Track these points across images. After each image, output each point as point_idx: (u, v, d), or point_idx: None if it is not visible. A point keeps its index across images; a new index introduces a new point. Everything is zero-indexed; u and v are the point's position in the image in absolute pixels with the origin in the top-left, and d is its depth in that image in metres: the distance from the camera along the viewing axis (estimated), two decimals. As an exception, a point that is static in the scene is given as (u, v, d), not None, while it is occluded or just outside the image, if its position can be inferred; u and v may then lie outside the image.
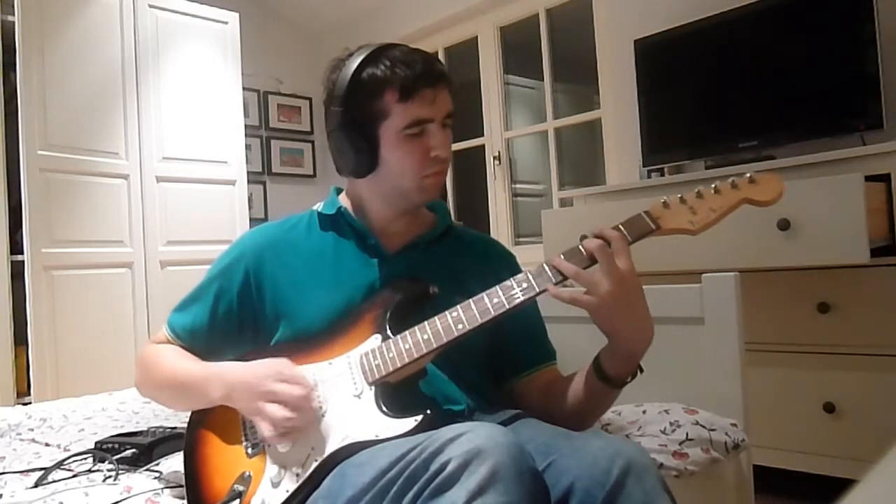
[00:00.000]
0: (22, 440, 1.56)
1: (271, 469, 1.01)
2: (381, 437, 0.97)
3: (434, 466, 0.81)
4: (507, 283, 1.02)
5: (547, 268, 1.01)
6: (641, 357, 1.06)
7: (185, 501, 1.06)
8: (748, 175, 1.02)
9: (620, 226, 1.02)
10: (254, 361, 1.07)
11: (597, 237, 1.01)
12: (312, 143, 4.42)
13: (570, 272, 0.99)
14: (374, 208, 1.19)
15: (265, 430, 0.99)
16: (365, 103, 1.10)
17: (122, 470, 1.18)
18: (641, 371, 1.08)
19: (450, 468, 0.79)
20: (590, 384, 1.08)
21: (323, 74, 1.16)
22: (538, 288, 1.00)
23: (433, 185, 1.15)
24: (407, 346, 1.02)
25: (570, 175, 3.74)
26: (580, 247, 1.01)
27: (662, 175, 2.64)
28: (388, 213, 1.19)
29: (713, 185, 1.03)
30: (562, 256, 1.01)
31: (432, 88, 1.09)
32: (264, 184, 4.21)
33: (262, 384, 1.01)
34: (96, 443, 1.33)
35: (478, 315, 1.00)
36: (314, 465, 0.98)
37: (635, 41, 2.74)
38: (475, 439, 0.81)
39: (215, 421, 1.11)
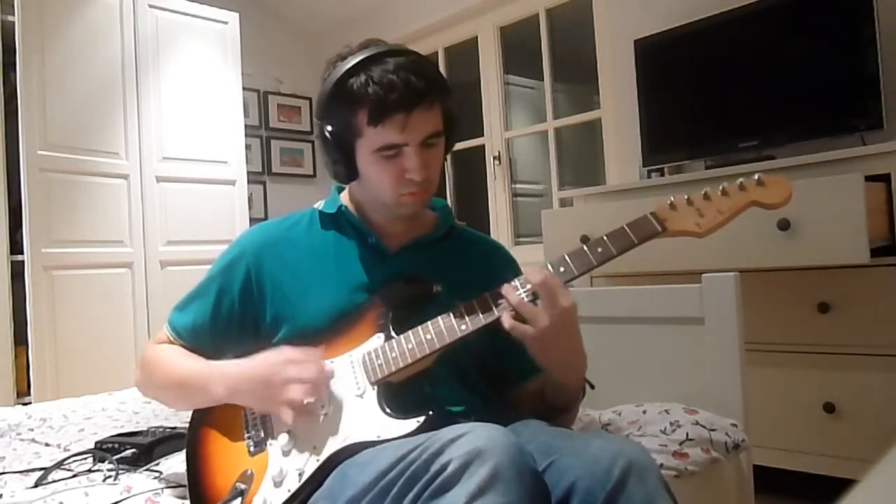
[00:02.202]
0: (22, 440, 1.56)
1: (273, 468, 1.01)
2: (383, 437, 0.97)
3: (435, 467, 0.81)
4: (513, 283, 1.02)
5: (551, 268, 1.01)
6: (576, 390, 1.12)
7: (188, 500, 1.06)
8: (756, 176, 1.01)
9: (626, 227, 1.02)
10: (254, 356, 1.07)
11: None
12: (312, 143, 4.41)
13: (514, 301, 0.99)
14: (369, 211, 1.20)
15: (287, 416, 0.99)
16: (342, 117, 1.08)
17: (122, 470, 1.18)
18: (592, 387, 1.13)
19: (450, 469, 0.79)
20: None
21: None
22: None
23: (412, 203, 1.12)
24: (410, 346, 1.03)
25: (570, 175, 3.73)
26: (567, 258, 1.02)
27: (662, 175, 2.64)
28: (384, 216, 1.19)
29: (721, 187, 1.01)
30: (549, 266, 1.02)
31: (405, 113, 1.03)
32: (264, 184, 4.20)
33: (279, 373, 1.02)
34: (96, 443, 1.33)
35: (481, 316, 1.00)
36: (315, 464, 0.98)
37: (635, 41, 2.74)
38: (475, 440, 0.81)
39: (217, 420, 1.11)
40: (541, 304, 0.98)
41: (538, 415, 1.12)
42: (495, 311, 1.00)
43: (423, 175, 1.08)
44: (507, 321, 0.99)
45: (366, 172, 1.11)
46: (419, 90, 1.04)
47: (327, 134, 1.10)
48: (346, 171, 1.12)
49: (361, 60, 1.06)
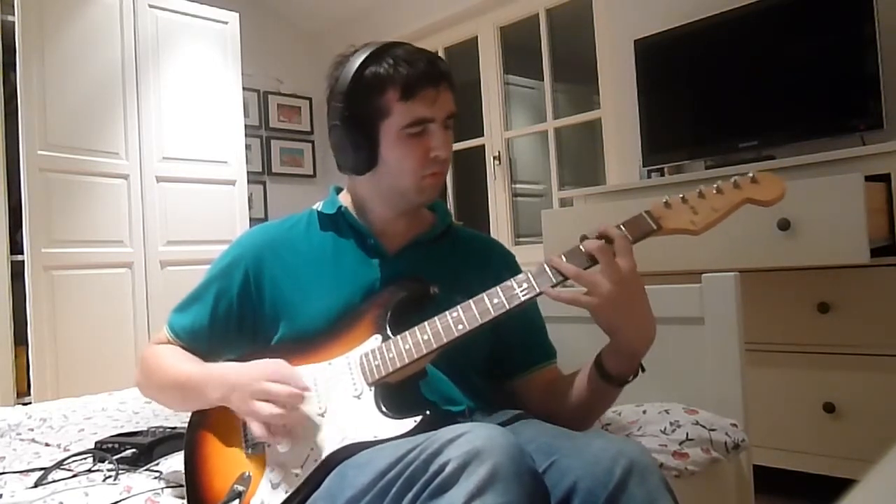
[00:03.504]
0: (22, 440, 1.56)
1: (271, 469, 1.01)
2: (381, 437, 0.97)
3: (433, 467, 0.81)
4: (508, 283, 1.01)
5: (547, 268, 1.01)
6: (643, 356, 1.06)
7: (185, 501, 1.06)
8: (750, 174, 1.01)
9: (622, 225, 1.02)
10: (251, 362, 1.07)
11: (599, 236, 1.01)
12: (312, 143, 4.42)
13: (571, 273, 0.99)
14: (374, 208, 1.19)
15: (255, 428, 0.99)
16: (366, 100, 1.10)
17: (122, 470, 1.18)
18: (643, 370, 1.08)
19: (449, 469, 0.79)
20: (591, 383, 1.09)
21: (328, 70, 1.16)
22: (538, 288, 1.00)
23: (432, 186, 1.14)
24: (407, 347, 1.02)
25: (570, 175, 3.73)
26: (580, 247, 1.01)
27: (662, 175, 2.64)
28: (387, 213, 1.19)
29: (715, 185, 1.02)
30: (562, 257, 1.01)
31: (434, 88, 1.09)
32: (264, 184, 4.21)
33: (254, 384, 1.01)
34: (96, 443, 1.33)
35: (478, 315, 1.00)
36: (313, 465, 0.98)
37: (635, 41, 2.74)
38: (474, 440, 0.81)
39: (215, 421, 1.11)
40: (600, 269, 0.98)
41: (550, 414, 1.10)
42: (506, 304, 0.99)
43: (446, 153, 1.12)
44: (563, 295, 0.98)
45: (388, 156, 1.12)
46: (443, 69, 1.12)
47: (349, 119, 1.10)
48: (368, 157, 1.12)
49: (381, 47, 1.11)
